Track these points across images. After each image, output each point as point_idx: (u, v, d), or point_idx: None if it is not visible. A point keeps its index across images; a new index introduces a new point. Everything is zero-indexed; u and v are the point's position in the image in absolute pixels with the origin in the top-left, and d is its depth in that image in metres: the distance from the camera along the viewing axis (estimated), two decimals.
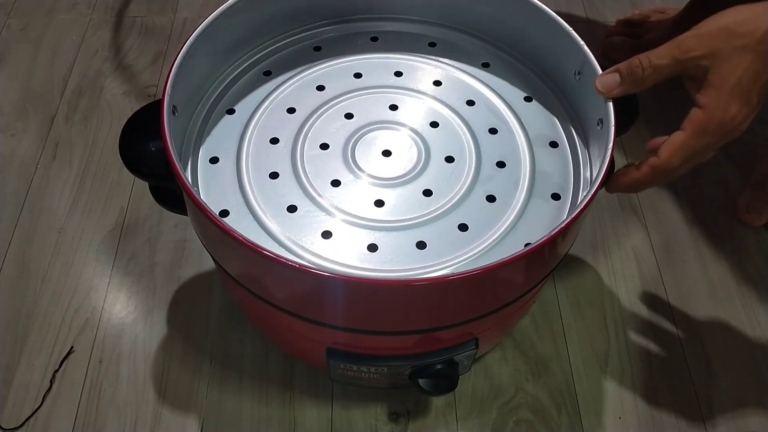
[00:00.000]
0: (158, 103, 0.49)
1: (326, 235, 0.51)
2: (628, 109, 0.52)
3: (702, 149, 0.48)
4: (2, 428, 0.64)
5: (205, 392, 0.67)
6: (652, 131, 0.65)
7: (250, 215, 0.52)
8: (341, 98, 0.60)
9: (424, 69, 0.63)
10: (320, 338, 0.55)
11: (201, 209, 0.45)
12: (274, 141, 0.57)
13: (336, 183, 0.54)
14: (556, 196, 0.54)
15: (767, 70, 0.45)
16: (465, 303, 0.49)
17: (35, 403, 0.65)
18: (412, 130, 0.58)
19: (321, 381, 0.67)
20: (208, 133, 0.57)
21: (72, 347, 0.69)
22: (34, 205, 0.80)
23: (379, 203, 0.53)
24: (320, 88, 0.61)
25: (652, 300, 0.74)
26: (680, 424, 0.66)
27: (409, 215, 0.53)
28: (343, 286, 0.44)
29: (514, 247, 0.51)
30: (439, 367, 0.56)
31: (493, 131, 0.58)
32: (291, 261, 0.43)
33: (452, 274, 0.43)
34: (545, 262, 0.51)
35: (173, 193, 0.52)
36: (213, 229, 0.45)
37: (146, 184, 0.54)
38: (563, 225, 0.45)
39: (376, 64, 0.63)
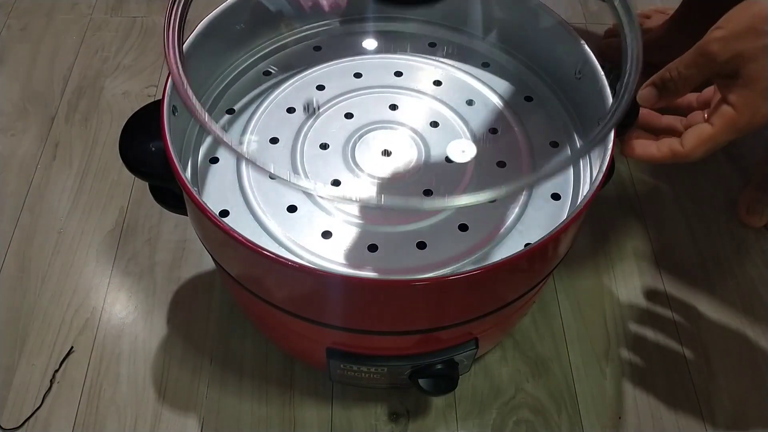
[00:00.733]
0: (158, 103, 0.49)
1: (326, 235, 0.51)
2: (629, 108, 0.52)
3: (724, 142, 0.48)
4: (2, 428, 0.64)
5: (205, 392, 0.67)
6: None
7: (250, 215, 0.52)
8: (341, 98, 0.60)
9: (424, 69, 0.63)
10: (320, 338, 0.55)
11: (201, 209, 0.45)
12: (274, 141, 0.57)
13: (336, 183, 0.54)
14: (556, 196, 0.54)
15: None
16: (465, 303, 0.49)
17: (35, 403, 0.65)
18: (412, 129, 0.58)
19: (321, 381, 0.67)
20: (208, 133, 0.57)
21: (72, 347, 0.69)
22: (34, 205, 0.80)
23: None
24: (320, 87, 0.61)
25: (652, 300, 0.74)
26: (680, 424, 0.66)
27: (409, 215, 0.53)
28: (343, 286, 0.44)
29: (514, 247, 0.51)
30: (439, 367, 0.56)
31: (493, 131, 0.58)
32: (291, 261, 0.43)
33: (452, 274, 0.43)
34: (545, 262, 0.51)
35: (173, 193, 0.52)
36: (213, 229, 0.45)
37: (146, 184, 0.54)
38: (563, 225, 0.45)
39: (376, 64, 0.63)
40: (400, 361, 0.55)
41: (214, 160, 0.55)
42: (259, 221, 0.52)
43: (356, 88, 0.61)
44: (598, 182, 0.47)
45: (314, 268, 0.43)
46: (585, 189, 0.54)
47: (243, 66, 0.62)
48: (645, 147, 0.50)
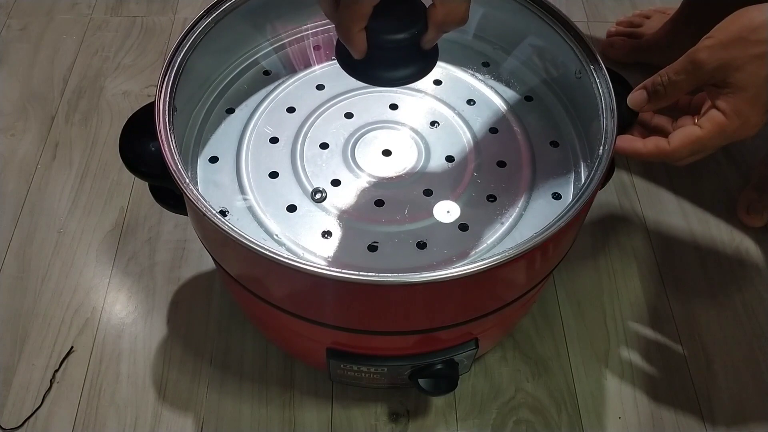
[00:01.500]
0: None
1: (326, 234, 0.51)
2: (628, 109, 0.53)
3: (712, 148, 0.49)
4: (2, 428, 0.64)
5: (205, 392, 0.67)
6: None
7: (250, 215, 0.52)
8: (341, 97, 0.60)
9: None
10: (320, 338, 0.55)
11: (201, 209, 0.45)
12: (274, 140, 0.57)
13: (336, 182, 0.54)
14: (556, 196, 0.54)
15: None
16: (465, 303, 0.49)
17: (35, 403, 0.65)
18: (413, 129, 0.58)
19: (321, 381, 0.67)
20: (208, 133, 0.57)
21: (72, 347, 0.69)
22: (34, 205, 0.80)
23: (379, 203, 0.53)
24: (320, 87, 0.61)
25: (652, 300, 0.74)
26: (680, 424, 0.66)
27: (409, 215, 0.53)
28: (343, 286, 0.44)
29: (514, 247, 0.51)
30: (439, 367, 0.56)
31: (493, 131, 0.58)
32: (291, 261, 0.42)
33: (452, 274, 0.43)
34: (545, 262, 0.51)
35: (173, 193, 0.52)
36: (213, 229, 0.45)
37: (146, 184, 0.54)
38: (563, 225, 0.45)
39: None
40: (400, 361, 0.55)
41: (214, 160, 0.55)
42: (259, 221, 0.52)
43: (356, 88, 0.61)
44: (598, 182, 0.47)
45: (314, 268, 0.43)
46: (585, 189, 0.54)
47: (243, 66, 0.62)
48: (631, 142, 0.51)
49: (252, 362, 0.69)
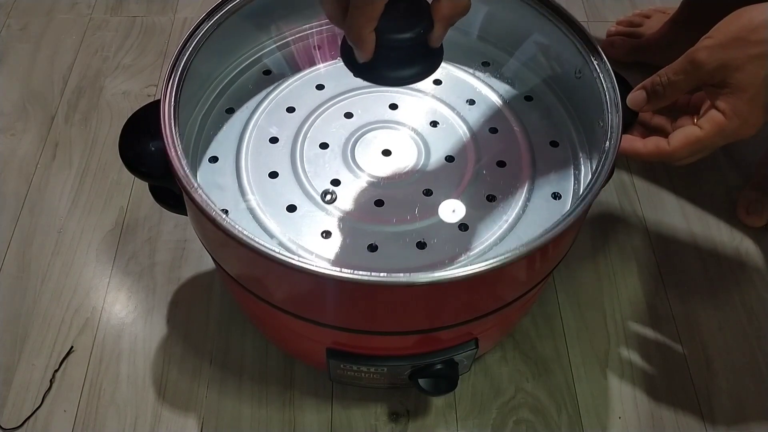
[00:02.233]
0: (158, 103, 0.49)
1: (326, 234, 0.51)
2: (627, 109, 0.53)
3: (712, 148, 0.49)
4: (2, 428, 0.64)
5: (204, 392, 0.66)
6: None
7: (250, 215, 0.52)
8: (341, 97, 0.60)
9: None
10: (320, 338, 0.55)
11: (201, 209, 0.45)
12: (274, 140, 0.57)
13: (336, 182, 0.54)
14: (556, 196, 0.54)
15: None
16: (465, 303, 0.49)
17: (35, 403, 0.65)
18: (412, 129, 0.58)
19: (321, 381, 0.67)
20: (208, 133, 0.57)
21: (72, 347, 0.69)
22: (34, 205, 0.80)
23: (379, 203, 0.53)
24: (320, 87, 0.61)
25: (652, 300, 0.74)
26: (680, 424, 0.66)
27: (409, 215, 0.53)
28: (343, 286, 0.44)
29: (514, 248, 0.51)
30: (439, 367, 0.56)
31: (493, 131, 0.58)
32: (291, 261, 0.42)
33: (452, 274, 0.42)
34: (545, 262, 0.51)
35: (173, 193, 0.52)
36: (213, 229, 0.45)
37: (146, 184, 0.54)
38: (563, 225, 0.44)
39: None
40: (400, 361, 0.55)
41: (214, 160, 0.55)
42: (259, 221, 0.52)
43: (356, 88, 0.61)
44: (598, 182, 0.47)
45: (314, 268, 0.43)
46: (585, 189, 0.54)
47: (243, 66, 0.62)
48: (631, 142, 0.51)
49: (252, 362, 0.69)
